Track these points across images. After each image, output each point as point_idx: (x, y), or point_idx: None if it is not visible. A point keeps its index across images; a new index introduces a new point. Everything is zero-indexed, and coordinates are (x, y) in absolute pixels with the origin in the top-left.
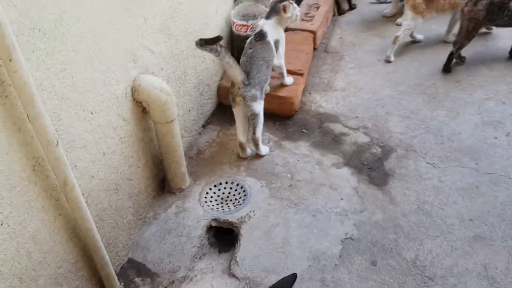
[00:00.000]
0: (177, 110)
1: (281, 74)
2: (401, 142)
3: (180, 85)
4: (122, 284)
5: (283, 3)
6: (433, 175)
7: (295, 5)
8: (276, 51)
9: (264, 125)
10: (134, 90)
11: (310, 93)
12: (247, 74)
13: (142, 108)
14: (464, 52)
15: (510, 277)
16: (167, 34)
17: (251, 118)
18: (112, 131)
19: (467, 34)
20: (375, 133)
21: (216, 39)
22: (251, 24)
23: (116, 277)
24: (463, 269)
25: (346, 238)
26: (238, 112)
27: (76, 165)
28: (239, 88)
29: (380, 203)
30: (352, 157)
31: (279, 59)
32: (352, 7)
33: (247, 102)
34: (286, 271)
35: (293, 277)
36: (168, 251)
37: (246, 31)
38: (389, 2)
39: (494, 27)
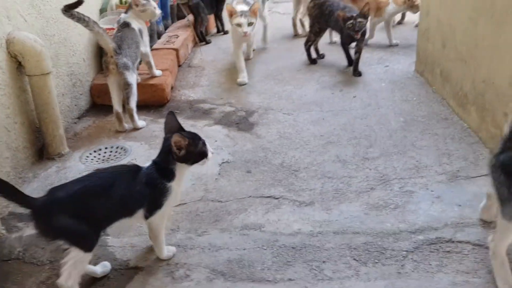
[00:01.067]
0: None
1: (149, 65)
2: (261, 106)
3: (52, 65)
4: (5, 228)
5: None
6: (289, 118)
7: (151, 1)
8: (142, 39)
9: (138, 112)
10: (9, 43)
11: (179, 90)
12: (119, 46)
13: (17, 64)
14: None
15: (355, 158)
16: (38, 12)
17: (125, 88)
18: None
19: (310, 30)
20: (239, 104)
21: (78, 3)
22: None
23: None
24: (321, 161)
25: (223, 162)
26: (112, 82)
27: None
28: (111, 56)
29: (248, 139)
30: (222, 119)
31: (145, 47)
32: (207, 42)
33: (119, 69)
34: None
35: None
36: None
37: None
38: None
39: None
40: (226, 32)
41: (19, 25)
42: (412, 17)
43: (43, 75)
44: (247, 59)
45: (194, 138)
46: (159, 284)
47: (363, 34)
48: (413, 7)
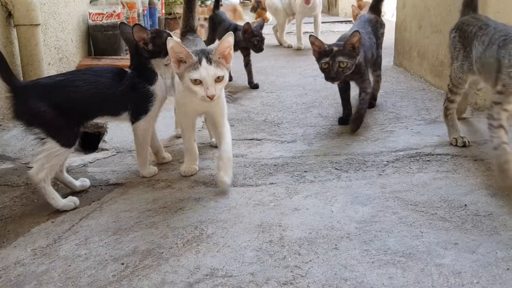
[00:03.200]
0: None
1: None
2: (245, 87)
3: (42, 30)
4: None
5: None
6: (272, 95)
7: None
8: None
9: None
10: None
11: None
12: None
13: (7, 14)
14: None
15: (337, 115)
16: None
17: None
18: None
19: None
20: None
21: None
22: (107, 13)
23: None
24: (303, 117)
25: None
26: None
27: None
28: None
29: (232, 108)
30: None
31: None
32: None
33: None
34: None
35: None
36: (30, 144)
37: (102, 20)
38: None
39: None
40: None
41: None
42: None
43: (31, 26)
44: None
45: (157, 31)
46: (139, 193)
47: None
48: None
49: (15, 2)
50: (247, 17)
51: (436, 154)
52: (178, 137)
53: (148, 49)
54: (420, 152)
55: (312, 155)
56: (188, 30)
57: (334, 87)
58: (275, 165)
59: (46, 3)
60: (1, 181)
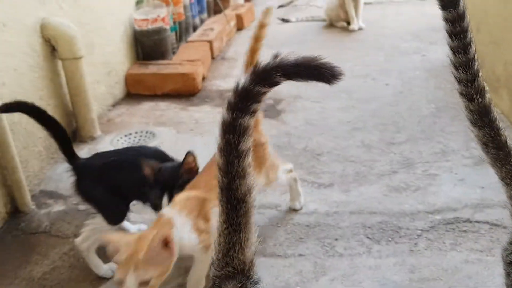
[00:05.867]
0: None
1: None
2: (289, 95)
3: (87, 53)
4: (35, 204)
5: None
6: (316, 106)
7: None
8: None
9: (169, 100)
10: (43, 27)
11: (210, 80)
12: None
13: (51, 48)
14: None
15: (381, 144)
16: (74, 1)
17: None
18: (21, 54)
19: None
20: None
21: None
22: (151, 18)
23: (29, 196)
24: (344, 146)
25: None
26: None
27: None
28: None
29: (273, 126)
30: None
31: None
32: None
33: None
34: None
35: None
36: None
37: (147, 26)
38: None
39: None
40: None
41: (54, 11)
42: None
43: (75, 59)
44: None
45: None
46: None
47: None
48: None
49: (57, 38)
50: None
51: (475, 222)
52: None
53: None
54: (458, 218)
55: (346, 211)
56: None
57: (381, 98)
58: (307, 226)
59: (90, 23)
60: (53, 230)
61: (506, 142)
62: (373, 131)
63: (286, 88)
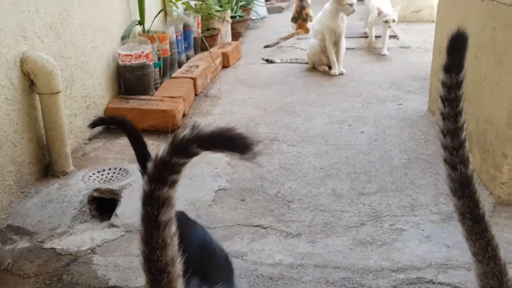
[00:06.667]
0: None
1: None
2: (268, 137)
3: (66, 86)
4: (0, 239)
5: None
6: (292, 150)
7: None
8: None
9: (148, 136)
10: (23, 61)
11: (191, 117)
12: None
13: (29, 82)
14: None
15: (351, 193)
16: (56, 35)
17: None
18: None
19: None
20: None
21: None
22: (135, 54)
23: None
24: (316, 193)
25: (219, 189)
26: None
27: None
28: None
29: (249, 168)
30: None
31: None
32: None
33: None
34: None
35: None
36: (48, 214)
37: (130, 61)
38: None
39: None
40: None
41: (36, 45)
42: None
43: (52, 94)
44: None
45: None
46: None
47: None
48: None
49: (36, 72)
50: (287, 28)
51: (437, 283)
52: None
53: None
54: (421, 278)
55: (311, 264)
56: None
57: (355, 145)
58: (270, 278)
59: (72, 57)
60: (15, 268)
61: (483, 216)
62: (345, 179)
63: (265, 130)
